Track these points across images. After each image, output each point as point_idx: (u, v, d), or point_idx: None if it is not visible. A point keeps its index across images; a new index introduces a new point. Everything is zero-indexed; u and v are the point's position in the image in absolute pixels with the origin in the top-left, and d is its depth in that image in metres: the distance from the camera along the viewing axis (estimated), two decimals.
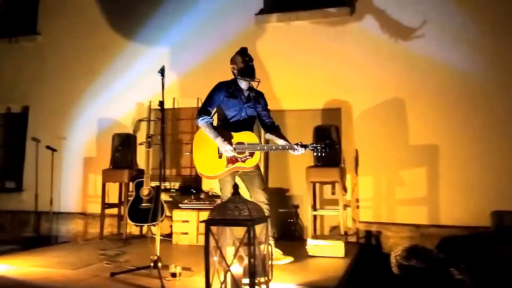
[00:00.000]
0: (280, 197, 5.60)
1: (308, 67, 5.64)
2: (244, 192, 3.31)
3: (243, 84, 3.82)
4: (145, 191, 5.20)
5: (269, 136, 3.93)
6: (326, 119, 5.55)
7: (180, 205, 5.26)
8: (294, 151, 3.61)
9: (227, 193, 3.68)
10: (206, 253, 2.88)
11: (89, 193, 6.35)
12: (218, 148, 3.67)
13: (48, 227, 6.32)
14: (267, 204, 3.76)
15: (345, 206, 5.02)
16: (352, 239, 5.17)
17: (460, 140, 5.08)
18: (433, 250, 4.52)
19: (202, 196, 5.43)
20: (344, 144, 5.21)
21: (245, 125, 3.75)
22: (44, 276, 3.52)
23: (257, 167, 3.79)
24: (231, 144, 3.62)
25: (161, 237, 3.97)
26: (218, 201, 5.25)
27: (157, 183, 4.67)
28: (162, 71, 3.59)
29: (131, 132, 6.10)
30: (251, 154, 3.63)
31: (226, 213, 2.89)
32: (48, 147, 6.23)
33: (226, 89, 3.80)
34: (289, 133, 5.68)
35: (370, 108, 5.41)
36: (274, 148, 3.78)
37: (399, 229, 5.13)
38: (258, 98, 3.91)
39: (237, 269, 2.93)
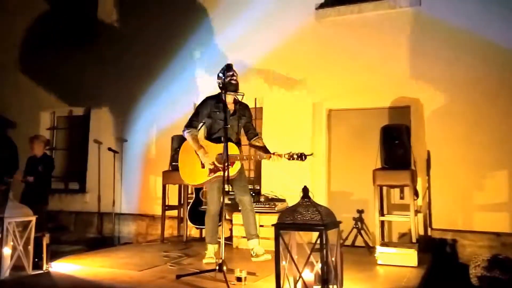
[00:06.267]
0: (342, 201, 5.37)
1: (374, 63, 5.36)
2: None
3: (229, 98, 4.13)
4: (205, 193, 5.15)
5: (252, 144, 4.34)
6: (394, 118, 5.26)
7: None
8: (269, 158, 3.94)
9: (215, 198, 4.13)
10: (276, 258, 2.80)
11: (150, 195, 6.41)
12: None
13: (110, 228, 6.46)
14: (252, 203, 4.32)
15: (416, 212, 4.72)
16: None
17: None
18: None
19: (262, 199, 5.31)
20: (415, 145, 4.91)
21: (228, 135, 3.88)
22: (111, 276, 3.57)
23: (241, 171, 4.16)
24: (211, 156, 4.04)
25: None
26: (279, 204, 5.15)
27: None
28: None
29: None
30: (232, 163, 3.94)
31: (296, 217, 2.81)
32: (109, 149, 6.37)
33: (214, 102, 4.18)
34: (354, 134, 5.53)
35: (444, 106, 5.05)
36: (252, 158, 4.25)
37: (477, 238, 4.77)
38: (243, 110, 4.29)
39: (308, 275, 2.85)
